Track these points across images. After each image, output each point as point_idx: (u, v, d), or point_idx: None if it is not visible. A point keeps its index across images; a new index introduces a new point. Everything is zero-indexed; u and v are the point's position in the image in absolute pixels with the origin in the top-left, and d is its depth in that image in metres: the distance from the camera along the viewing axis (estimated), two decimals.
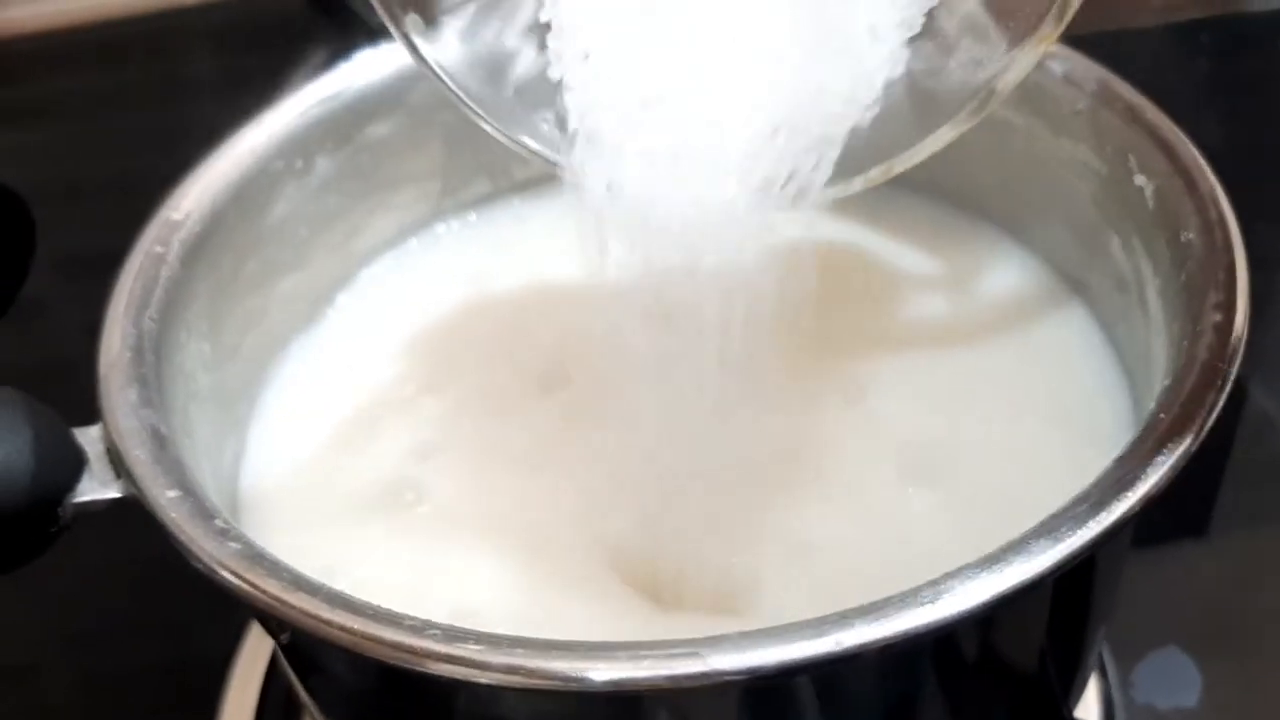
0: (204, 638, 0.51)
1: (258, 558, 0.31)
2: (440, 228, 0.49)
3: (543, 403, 0.43)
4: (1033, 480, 0.38)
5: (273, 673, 0.49)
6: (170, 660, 0.52)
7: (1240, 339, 0.33)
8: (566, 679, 0.28)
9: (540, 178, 0.49)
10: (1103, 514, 0.29)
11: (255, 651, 0.49)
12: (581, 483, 0.40)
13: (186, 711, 0.49)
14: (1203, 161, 0.38)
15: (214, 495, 0.35)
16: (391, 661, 0.29)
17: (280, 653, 0.38)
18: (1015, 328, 0.44)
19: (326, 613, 0.29)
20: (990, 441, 0.40)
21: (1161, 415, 0.31)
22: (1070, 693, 0.40)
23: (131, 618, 0.53)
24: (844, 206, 0.47)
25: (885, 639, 0.27)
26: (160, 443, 0.34)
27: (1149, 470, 0.30)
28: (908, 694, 0.34)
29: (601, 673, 0.28)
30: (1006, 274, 0.45)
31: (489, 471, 0.41)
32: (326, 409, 0.44)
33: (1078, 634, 0.36)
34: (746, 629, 0.28)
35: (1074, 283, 0.44)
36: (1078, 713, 0.44)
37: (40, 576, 0.37)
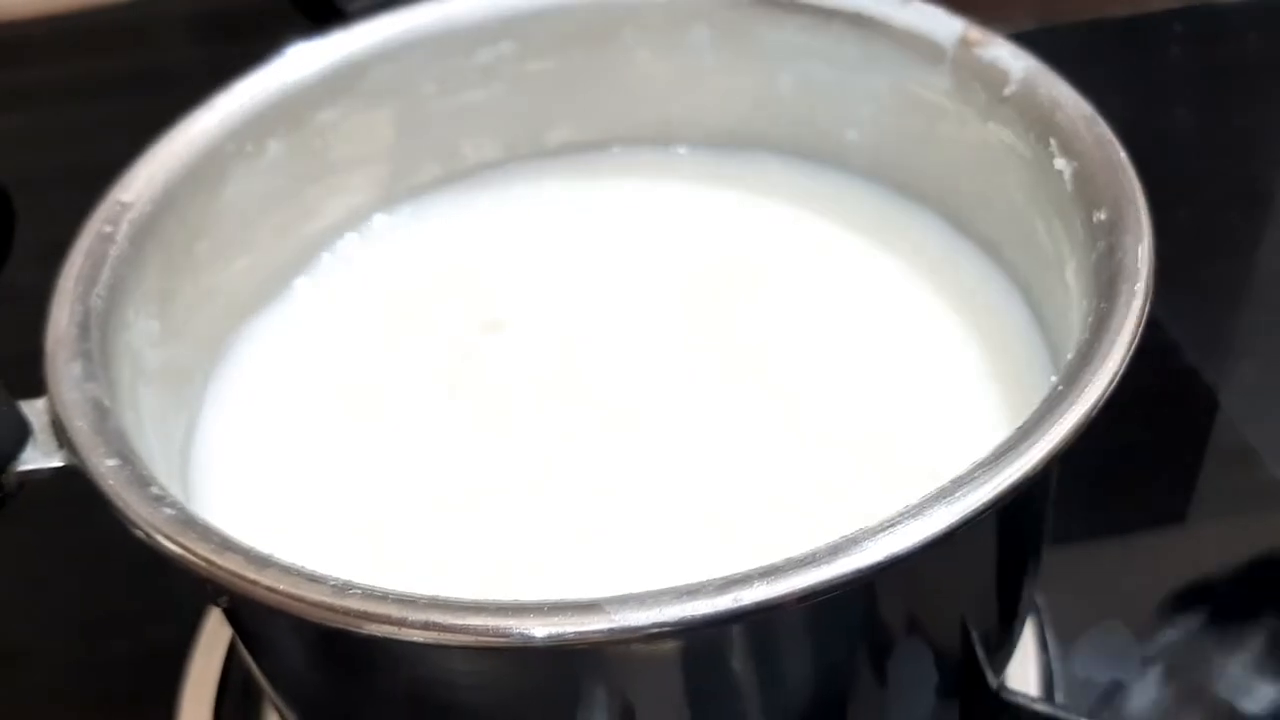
0: (162, 628, 0.52)
1: (190, 522, 0.32)
2: (392, 212, 0.50)
3: (492, 386, 0.44)
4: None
5: (232, 656, 0.50)
6: (128, 648, 0.53)
7: (1143, 307, 0.34)
8: (481, 634, 0.29)
9: (491, 162, 0.51)
10: (996, 478, 0.30)
11: (214, 638, 0.50)
12: (527, 464, 0.41)
13: (146, 699, 0.50)
14: (1117, 142, 0.39)
15: (162, 470, 0.36)
16: (315, 620, 0.30)
17: (226, 620, 0.40)
18: (950, 309, 0.45)
19: (254, 573, 0.30)
20: (925, 420, 0.41)
21: (1060, 387, 0.32)
22: (996, 661, 0.41)
23: (87, 609, 0.54)
24: (782, 190, 0.49)
25: (781, 596, 0.29)
26: (102, 414, 0.35)
27: (1041, 439, 0.31)
28: (829, 655, 0.35)
29: (525, 626, 0.29)
30: (940, 256, 0.46)
31: (438, 455, 0.42)
32: (280, 391, 0.45)
33: (995, 597, 0.38)
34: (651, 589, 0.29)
35: (1006, 264, 0.45)
36: (1017, 684, 0.46)
37: None
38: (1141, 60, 0.77)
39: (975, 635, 0.38)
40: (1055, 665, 0.49)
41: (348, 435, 0.43)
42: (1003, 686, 0.43)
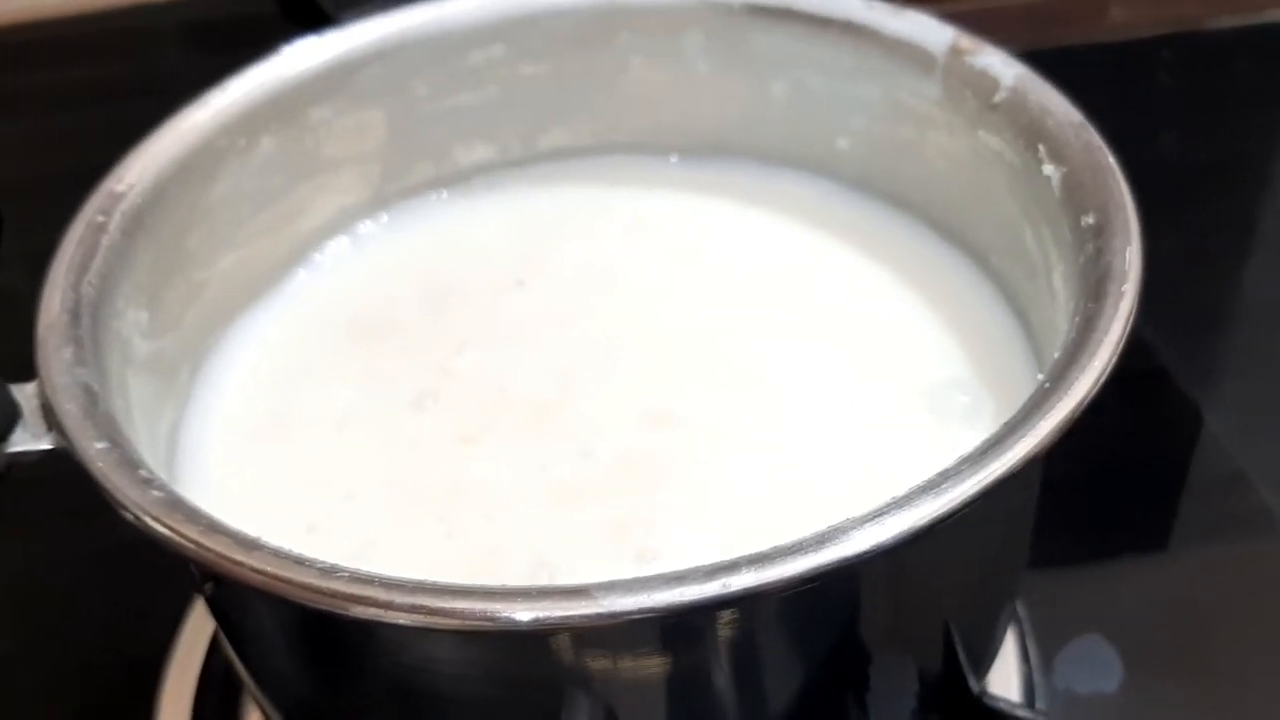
0: (141, 628, 0.52)
1: (177, 504, 0.32)
2: (382, 212, 0.50)
3: (476, 385, 0.44)
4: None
5: (211, 659, 0.50)
6: (106, 654, 0.52)
7: (1131, 308, 0.34)
8: (467, 617, 0.29)
9: (483, 164, 0.51)
10: (982, 472, 0.30)
11: (194, 636, 0.50)
12: (508, 462, 0.41)
13: (124, 703, 0.50)
14: (1106, 147, 0.39)
15: (149, 457, 0.36)
16: (302, 602, 0.30)
17: (210, 613, 0.39)
18: (938, 317, 0.45)
19: (241, 555, 0.30)
20: (909, 425, 0.42)
21: (1046, 384, 0.33)
22: (978, 665, 0.41)
23: (66, 610, 0.54)
24: (770, 197, 0.49)
25: (770, 583, 0.29)
26: (92, 399, 0.35)
27: (1027, 434, 0.31)
28: (811, 650, 0.35)
29: (512, 611, 0.29)
30: (927, 264, 0.47)
31: (424, 450, 0.42)
32: (266, 386, 0.45)
33: (977, 599, 0.38)
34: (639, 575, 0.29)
35: (993, 272, 0.46)
36: (999, 692, 0.46)
37: None
38: (1130, 85, 0.77)
39: (957, 635, 0.39)
40: (1036, 677, 0.49)
41: (330, 432, 0.43)
42: (984, 692, 0.43)
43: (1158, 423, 0.59)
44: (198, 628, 0.50)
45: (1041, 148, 0.41)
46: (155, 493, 0.32)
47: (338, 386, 0.45)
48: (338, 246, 0.49)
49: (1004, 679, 0.48)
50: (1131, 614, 0.51)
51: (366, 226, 0.50)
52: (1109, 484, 0.56)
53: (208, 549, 0.31)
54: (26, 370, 0.36)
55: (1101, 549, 0.54)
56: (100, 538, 0.54)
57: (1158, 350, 0.60)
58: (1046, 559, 0.46)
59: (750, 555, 0.29)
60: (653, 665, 0.33)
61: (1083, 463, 0.52)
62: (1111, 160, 0.39)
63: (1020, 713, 0.43)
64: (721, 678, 0.34)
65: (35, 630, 0.53)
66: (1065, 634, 0.50)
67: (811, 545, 0.29)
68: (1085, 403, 0.32)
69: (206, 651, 0.50)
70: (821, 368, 0.44)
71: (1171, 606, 0.51)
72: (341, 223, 0.49)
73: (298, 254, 0.48)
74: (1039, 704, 0.48)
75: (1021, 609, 0.50)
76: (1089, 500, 0.54)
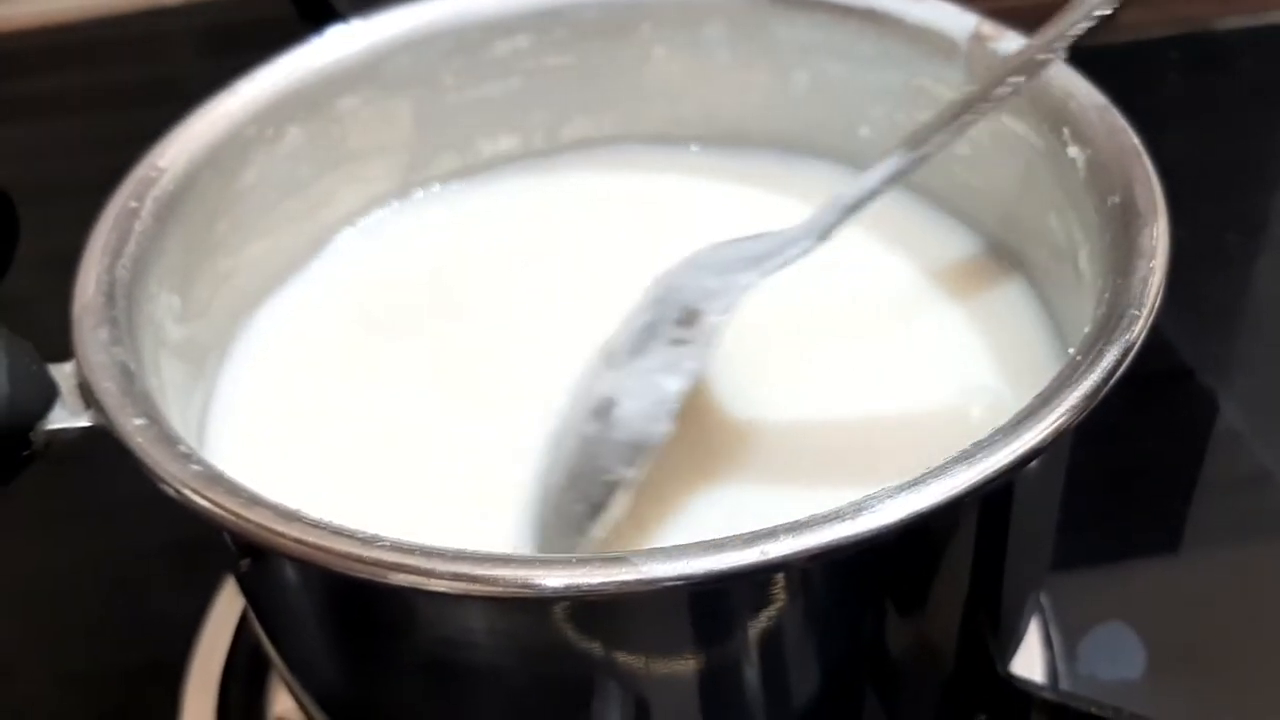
0: (164, 627, 0.52)
1: (217, 478, 0.32)
2: (404, 201, 0.50)
3: (501, 369, 0.45)
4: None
5: (235, 654, 0.50)
6: (132, 648, 0.53)
7: (1160, 282, 0.34)
8: (508, 585, 0.29)
9: (508, 154, 0.51)
10: (1015, 442, 0.31)
11: (216, 638, 0.51)
12: (524, 442, 0.42)
13: (151, 691, 0.50)
14: (1130, 129, 0.39)
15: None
16: (342, 571, 0.30)
17: (241, 591, 0.40)
18: (961, 308, 0.45)
19: (282, 526, 0.31)
20: (931, 415, 0.42)
21: (1078, 357, 0.33)
22: (1004, 646, 0.41)
23: (88, 610, 0.54)
24: (793, 187, 0.49)
25: (809, 550, 0.29)
26: (129, 377, 0.35)
27: (1059, 405, 0.31)
28: (841, 622, 0.35)
29: (552, 579, 0.29)
30: (951, 253, 0.47)
31: (446, 437, 0.42)
32: (292, 371, 0.45)
33: (1005, 579, 0.38)
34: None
35: (1018, 259, 0.46)
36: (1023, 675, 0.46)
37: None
38: (1139, 86, 0.77)
39: (985, 615, 0.39)
40: (1060, 665, 0.49)
41: (356, 417, 0.43)
42: (1010, 674, 0.43)
43: (1178, 419, 0.59)
44: (220, 628, 0.51)
45: (1066, 131, 0.41)
46: (195, 467, 0.32)
47: (357, 377, 0.45)
48: (364, 234, 0.50)
49: (1028, 666, 0.48)
50: (1154, 604, 0.51)
51: (389, 214, 0.50)
52: (1131, 480, 0.56)
53: (249, 520, 0.31)
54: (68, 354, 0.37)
55: (1124, 544, 0.54)
56: (122, 538, 0.55)
57: (1177, 347, 0.60)
58: (1070, 552, 0.46)
59: (788, 523, 0.30)
60: (687, 635, 0.33)
61: (1105, 459, 0.52)
62: (1136, 141, 0.39)
63: (1045, 694, 0.43)
64: (753, 649, 0.34)
65: (59, 629, 0.54)
66: (1088, 622, 0.50)
67: (849, 513, 0.30)
68: (1116, 375, 0.32)
69: (229, 651, 0.50)
70: (840, 358, 0.44)
71: (1193, 599, 0.52)
72: (367, 210, 0.49)
73: (323, 242, 0.49)
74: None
75: (1045, 599, 0.50)
76: (1111, 497, 0.54)
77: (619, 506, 0.37)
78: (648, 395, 0.38)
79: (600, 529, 0.37)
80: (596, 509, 0.37)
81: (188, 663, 0.50)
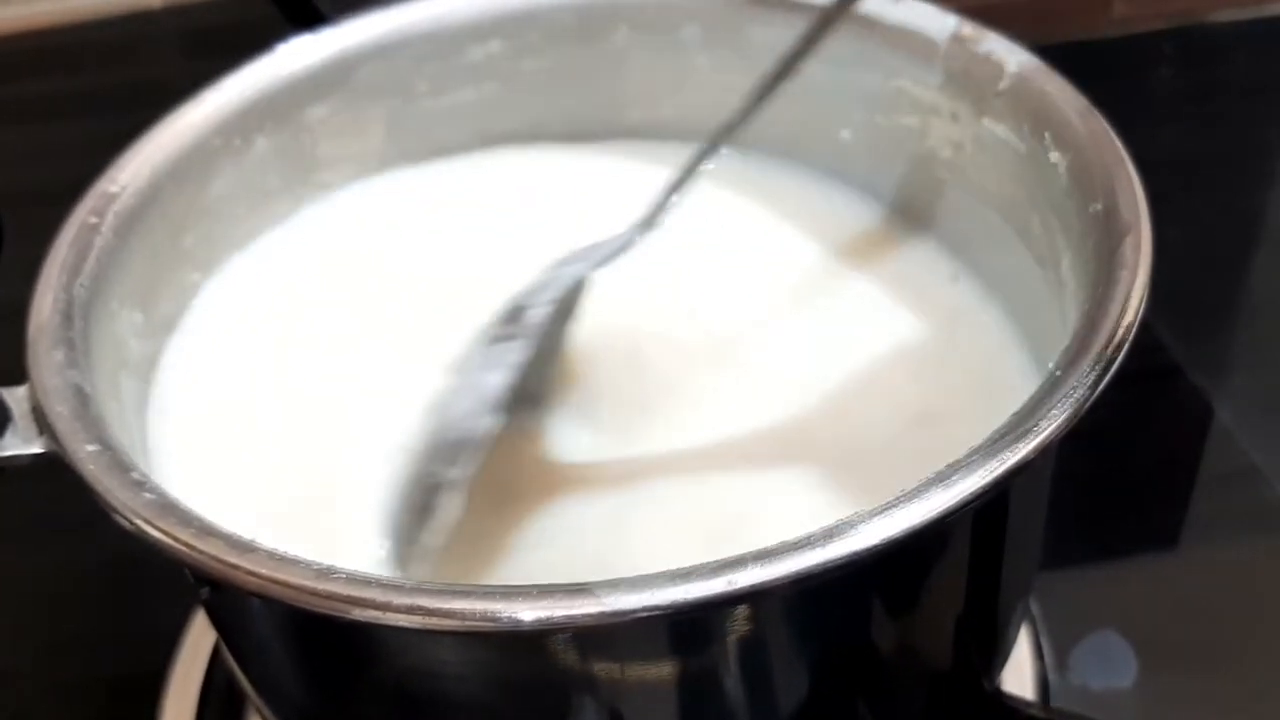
0: (143, 641, 0.52)
1: (171, 507, 0.31)
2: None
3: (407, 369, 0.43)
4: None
5: (214, 669, 0.49)
6: (110, 661, 0.52)
7: (1143, 291, 0.33)
8: (466, 618, 0.28)
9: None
10: (991, 463, 0.30)
11: (196, 650, 0.50)
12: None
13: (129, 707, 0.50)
14: (1112, 132, 0.39)
15: (142, 459, 0.36)
16: (298, 604, 0.29)
17: (209, 619, 0.39)
18: (932, 321, 0.45)
19: (235, 558, 0.30)
20: (905, 427, 0.41)
21: (1058, 372, 0.32)
22: (990, 663, 0.41)
23: (67, 623, 0.53)
24: (771, 192, 0.48)
25: (776, 579, 0.28)
26: (83, 401, 0.34)
27: (1039, 423, 0.30)
28: (820, 648, 0.34)
29: (515, 610, 0.28)
30: (924, 266, 0.46)
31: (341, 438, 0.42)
32: (253, 386, 0.44)
33: (990, 596, 0.37)
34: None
35: (993, 273, 0.45)
36: (1013, 690, 0.45)
37: None
38: (1133, 79, 0.77)
39: (969, 633, 0.38)
40: (1051, 675, 0.48)
41: (264, 412, 0.43)
42: (999, 690, 0.42)
43: (1169, 418, 0.58)
44: (199, 641, 0.50)
45: (1048, 135, 0.40)
46: (147, 495, 0.32)
47: (271, 368, 0.44)
48: (334, 245, 0.48)
49: (1018, 676, 0.47)
50: (1145, 609, 0.50)
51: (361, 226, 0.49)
52: (1121, 480, 0.55)
53: (201, 552, 0.30)
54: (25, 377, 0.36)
55: (1114, 545, 0.53)
56: (101, 549, 0.54)
57: (1168, 346, 0.59)
58: (1059, 556, 0.46)
59: (756, 551, 0.29)
60: (657, 664, 0.32)
61: (1095, 459, 0.52)
62: (1119, 145, 0.38)
63: (1034, 711, 0.42)
64: (728, 676, 0.33)
65: (37, 644, 0.53)
66: (1079, 630, 0.49)
67: (819, 540, 0.29)
68: (1096, 391, 0.31)
69: (208, 664, 0.49)
70: (808, 362, 0.43)
71: (1185, 601, 0.51)
72: (338, 222, 0.48)
73: (293, 252, 0.48)
74: (1054, 701, 0.47)
75: (1034, 606, 0.49)
76: (1101, 497, 0.54)
77: (447, 510, 0.36)
78: (471, 394, 0.38)
79: (432, 536, 0.36)
80: (424, 514, 0.37)
81: (167, 676, 0.49)
